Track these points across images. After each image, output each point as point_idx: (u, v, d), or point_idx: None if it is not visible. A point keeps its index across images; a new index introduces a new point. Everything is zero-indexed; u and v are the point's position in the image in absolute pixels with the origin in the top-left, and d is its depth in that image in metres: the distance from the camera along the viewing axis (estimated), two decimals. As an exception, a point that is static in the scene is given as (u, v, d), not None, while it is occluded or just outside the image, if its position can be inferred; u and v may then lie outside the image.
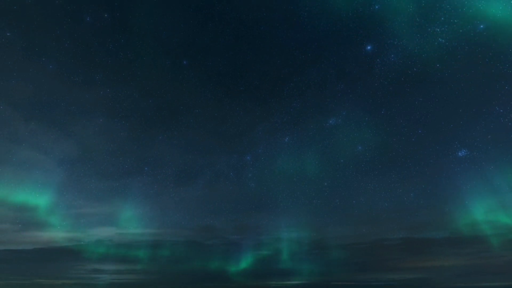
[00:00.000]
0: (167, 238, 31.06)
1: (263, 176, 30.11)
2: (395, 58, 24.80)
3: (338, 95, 27.76)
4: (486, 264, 26.52)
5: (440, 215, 27.33)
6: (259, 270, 31.82)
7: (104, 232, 30.13)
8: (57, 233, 28.97)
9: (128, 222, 30.51)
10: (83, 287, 28.94)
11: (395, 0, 23.69)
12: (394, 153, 27.39)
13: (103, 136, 28.17)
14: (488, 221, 25.78)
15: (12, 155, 25.80)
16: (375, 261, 29.72)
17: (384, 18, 24.18)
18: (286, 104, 28.69)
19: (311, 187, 30.05)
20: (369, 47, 25.45)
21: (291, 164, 29.76)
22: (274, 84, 28.17)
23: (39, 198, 27.61)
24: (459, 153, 24.88)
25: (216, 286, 31.17)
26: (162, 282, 29.91)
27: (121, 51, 25.66)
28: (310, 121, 28.71)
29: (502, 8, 20.91)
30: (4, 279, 28.37)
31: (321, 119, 28.50)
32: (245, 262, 31.88)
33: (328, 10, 25.26)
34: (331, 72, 27.49)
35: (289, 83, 27.95)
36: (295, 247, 31.26)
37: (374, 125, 27.54)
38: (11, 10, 22.73)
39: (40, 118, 26.41)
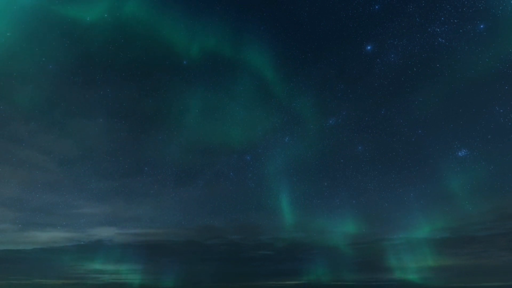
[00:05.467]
0: (167, 238, 31.14)
1: (263, 176, 30.18)
2: (395, 58, 24.86)
3: (338, 95, 27.81)
4: (486, 264, 26.60)
5: (440, 215, 27.39)
6: (259, 269, 31.88)
7: (104, 232, 30.14)
8: (57, 233, 29.03)
9: (128, 222, 30.58)
10: (83, 287, 28.99)
11: (395, 0, 23.74)
12: (394, 153, 27.45)
13: (103, 136, 28.19)
14: (488, 221, 25.86)
15: (12, 155, 25.82)
16: (375, 261, 29.77)
17: (384, 18, 24.27)
18: (286, 104, 28.75)
19: (311, 187, 30.14)
20: (369, 47, 25.49)
21: (291, 164, 29.85)
22: (274, 84, 28.22)
23: (39, 198, 27.70)
24: (459, 153, 24.90)
25: (217, 286, 31.22)
26: (162, 282, 29.92)
27: (121, 51, 25.70)
28: (310, 121, 28.78)
29: (502, 8, 20.95)
30: (4, 279, 28.39)
31: (321, 119, 28.57)
32: (245, 261, 31.98)
33: (328, 10, 25.34)
34: (331, 72, 27.56)
35: (289, 83, 28.04)
36: (295, 247, 31.35)
37: (374, 125, 27.61)
38: (11, 10, 22.75)
39: (40, 118, 26.43)
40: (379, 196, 28.23)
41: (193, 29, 26.25)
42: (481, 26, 21.82)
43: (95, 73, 25.90)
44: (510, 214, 25.00)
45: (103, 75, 26.12)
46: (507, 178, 23.90)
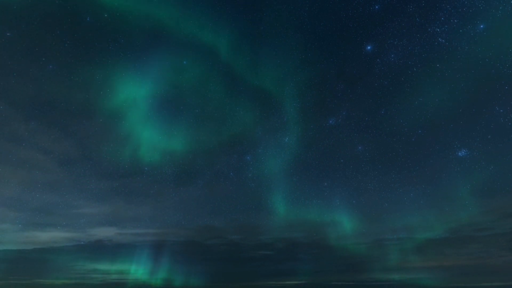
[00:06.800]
0: (167, 238, 31.15)
1: (263, 176, 30.20)
2: (395, 58, 24.88)
3: (338, 95, 27.87)
4: (485, 264, 26.59)
5: (440, 215, 27.40)
6: (259, 269, 31.88)
7: (104, 232, 30.19)
8: (57, 233, 29.04)
9: (128, 222, 30.61)
10: (83, 287, 28.97)
11: (395, 0, 23.75)
12: (394, 153, 27.47)
13: (103, 136, 28.22)
14: (488, 221, 25.87)
15: (12, 155, 25.83)
16: (375, 261, 29.77)
17: (384, 18, 24.29)
18: (286, 104, 28.77)
19: (311, 187, 30.16)
20: (369, 47, 25.52)
21: (291, 164, 29.87)
22: (274, 84, 28.25)
23: (39, 198, 27.70)
24: (459, 153, 24.92)
25: (217, 286, 31.18)
26: (162, 282, 29.93)
27: (121, 51, 25.74)
28: (310, 121, 28.80)
29: (502, 8, 20.95)
30: (4, 279, 28.39)
31: (321, 119, 28.59)
32: (245, 261, 31.97)
33: (328, 10, 25.34)
34: (331, 72, 27.60)
35: (290, 83, 28.05)
36: (295, 247, 31.35)
37: (374, 125, 27.63)
38: (11, 10, 22.77)
39: (40, 118, 26.50)
40: (379, 196, 28.30)
41: (193, 29, 26.34)
42: (481, 26, 21.82)
43: (95, 73, 25.98)
44: (510, 214, 25.03)
45: (103, 75, 26.19)
46: (507, 178, 23.92)
